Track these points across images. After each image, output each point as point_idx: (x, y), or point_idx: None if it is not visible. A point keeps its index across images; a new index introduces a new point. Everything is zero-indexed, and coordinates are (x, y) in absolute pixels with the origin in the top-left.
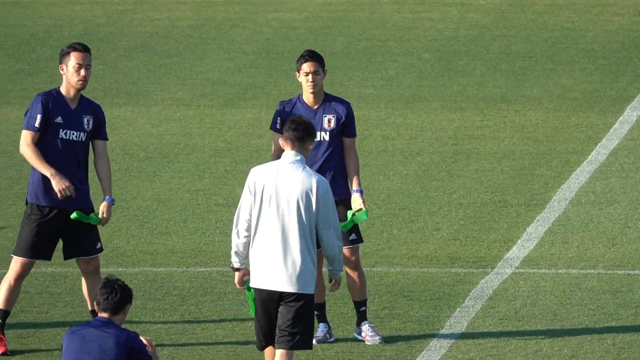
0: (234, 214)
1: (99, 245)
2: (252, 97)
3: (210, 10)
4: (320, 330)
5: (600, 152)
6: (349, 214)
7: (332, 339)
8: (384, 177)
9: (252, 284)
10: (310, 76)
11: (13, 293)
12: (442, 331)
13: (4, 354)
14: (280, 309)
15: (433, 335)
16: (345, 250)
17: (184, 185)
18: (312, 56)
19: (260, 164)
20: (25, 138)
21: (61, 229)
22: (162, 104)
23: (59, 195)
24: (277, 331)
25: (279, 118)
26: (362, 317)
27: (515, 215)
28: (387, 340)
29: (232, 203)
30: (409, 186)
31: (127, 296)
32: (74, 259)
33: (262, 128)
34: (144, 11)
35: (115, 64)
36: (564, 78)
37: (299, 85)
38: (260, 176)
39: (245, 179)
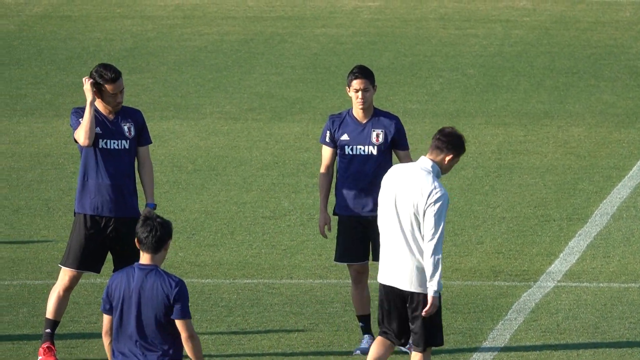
0: (280, 227)
1: None
2: (299, 111)
3: (259, 25)
4: (364, 341)
5: None
6: None
7: None
8: None
9: (378, 279)
10: (360, 93)
11: (62, 303)
12: (484, 344)
13: None
14: (408, 309)
15: (476, 348)
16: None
17: (232, 198)
18: (363, 73)
19: (307, 177)
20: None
21: (110, 240)
22: (210, 118)
23: (89, 85)
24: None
25: (328, 132)
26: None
27: (557, 230)
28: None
29: (279, 216)
30: (453, 200)
31: (168, 232)
32: None
33: (309, 142)
34: (194, 26)
35: (165, 77)
36: (606, 94)
37: (346, 99)
38: (389, 176)
39: (292, 192)
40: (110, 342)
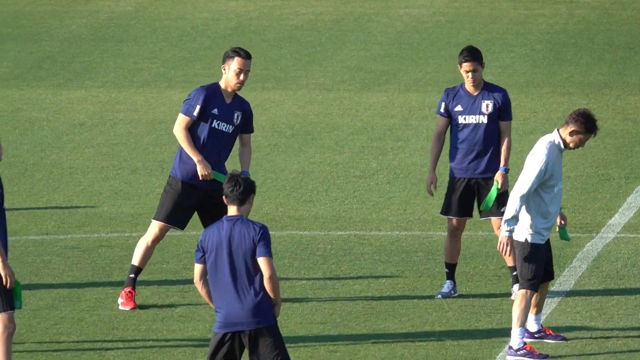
0: (369, 185)
1: None
2: (385, 82)
3: (350, 6)
4: (446, 286)
5: None
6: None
7: (456, 294)
8: None
9: None
10: (470, 74)
11: (147, 253)
12: (552, 288)
13: (133, 309)
14: None
15: None
16: (497, 220)
17: (325, 160)
18: (471, 55)
19: (392, 141)
20: (181, 122)
21: (198, 203)
22: (306, 88)
23: (200, 178)
24: None
25: (443, 103)
26: (515, 280)
27: (616, 187)
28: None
29: (368, 175)
30: (524, 162)
31: (251, 187)
32: None
33: (394, 109)
34: (291, 6)
35: (266, 53)
36: None
37: (427, 72)
38: None
39: (379, 155)
40: (203, 288)
